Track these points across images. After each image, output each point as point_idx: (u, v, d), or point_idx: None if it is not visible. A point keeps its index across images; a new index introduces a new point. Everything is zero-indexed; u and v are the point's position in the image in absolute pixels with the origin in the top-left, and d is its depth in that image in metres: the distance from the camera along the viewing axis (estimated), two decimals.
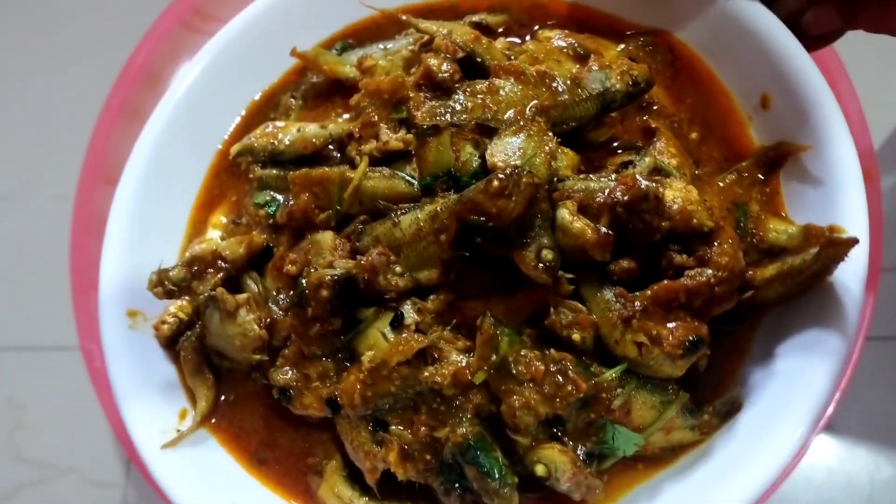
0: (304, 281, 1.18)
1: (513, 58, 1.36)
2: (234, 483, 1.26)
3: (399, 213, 1.20)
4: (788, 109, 1.26)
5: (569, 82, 1.26)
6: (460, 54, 1.35)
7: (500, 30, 1.52)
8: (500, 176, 1.11)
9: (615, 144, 1.33)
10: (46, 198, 2.09)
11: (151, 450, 1.23)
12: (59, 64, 2.25)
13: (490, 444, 1.13)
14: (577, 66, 1.36)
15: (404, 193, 1.24)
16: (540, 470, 1.11)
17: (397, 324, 1.16)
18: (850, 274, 1.13)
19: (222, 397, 1.33)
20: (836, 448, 1.71)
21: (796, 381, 1.14)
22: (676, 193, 1.18)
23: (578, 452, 1.14)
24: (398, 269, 1.17)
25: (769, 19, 1.27)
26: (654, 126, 1.35)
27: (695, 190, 1.18)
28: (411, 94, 1.32)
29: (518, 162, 1.17)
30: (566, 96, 1.25)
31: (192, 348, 1.32)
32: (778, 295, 1.17)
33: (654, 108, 1.38)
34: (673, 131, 1.36)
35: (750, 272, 1.17)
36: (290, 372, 1.23)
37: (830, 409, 1.44)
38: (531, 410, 1.11)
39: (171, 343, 1.34)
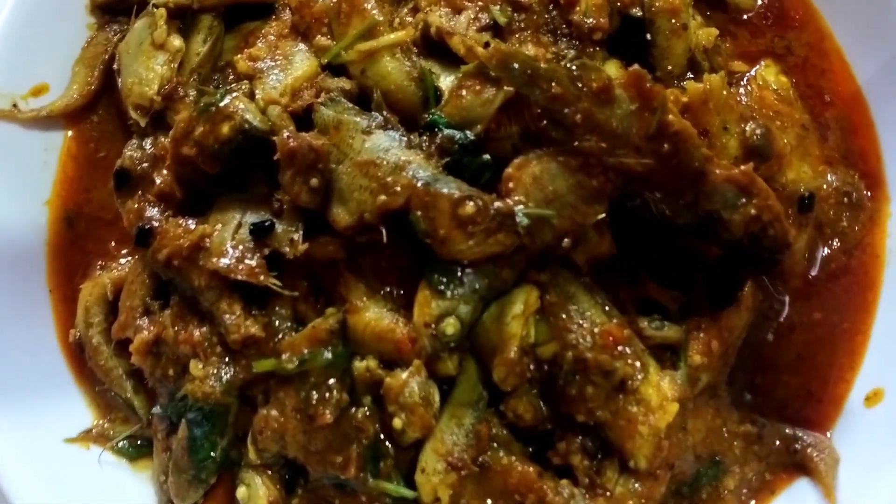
0: (221, 95, 1.01)
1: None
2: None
3: (379, 122, 0.99)
4: None
5: (694, 165, 0.96)
6: (634, 12, 1.07)
7: None
8: (479, 205, 0.90)
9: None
10: None
11: None
12: None
13: (223, 428, 1.02)
14: (738, 155, 1.06)
15: (407, 108, 1.02)
16: (240, 493, 1.03)
17: (259, 232, 0.99)
18: None
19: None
20: None
21: None
22: (653, 397, 0.96)
23: None
24: (315, 180, 0.97)
25: None
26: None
27: (672, 413, 0.96)
28: (535, 6, 1.06)
29: (531, 206, 0.93)
30: (668, 180, 0.97)
31: (105, 37, 1.19)
32: None
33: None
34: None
35: None
36: (141, 162, 1.10)
37: None
38: (281, 445, 0.99)
39: (99, 10, 1.20)
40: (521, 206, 0.92)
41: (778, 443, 1.05)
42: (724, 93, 1.06)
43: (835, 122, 1.14)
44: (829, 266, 1.10)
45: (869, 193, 1.11)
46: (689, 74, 1.11)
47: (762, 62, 1.17)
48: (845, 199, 1.10)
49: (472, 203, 0.90)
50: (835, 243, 1.11)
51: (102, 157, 1.21)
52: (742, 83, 1.14)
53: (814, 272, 1.10)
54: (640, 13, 1.07)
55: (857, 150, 1.13)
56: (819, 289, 1.10)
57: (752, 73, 1.15)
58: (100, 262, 1.19)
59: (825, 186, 1.11)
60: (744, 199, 0.98)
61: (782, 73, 1.16)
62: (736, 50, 1.19)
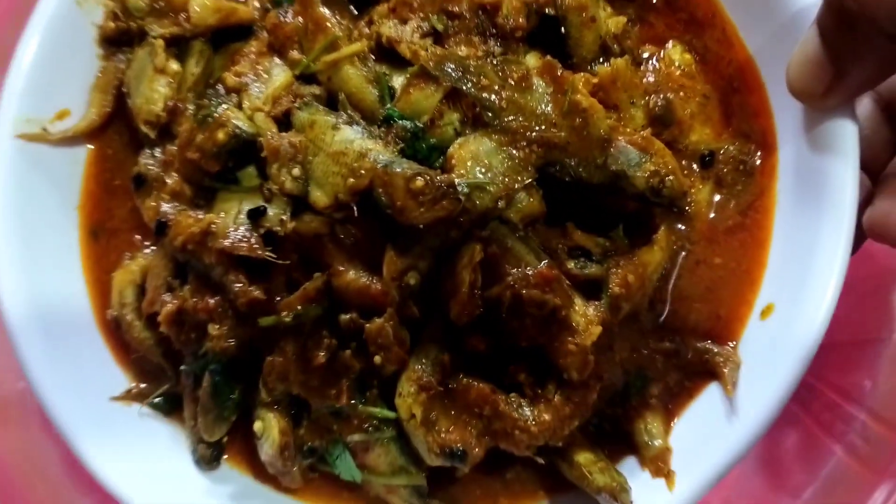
0: (215, 107, 1.28)
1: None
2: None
3: (345, 119, 1.25)
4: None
5: (601, 134, 1.23)
6: (548, 11, 1.32)
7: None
8: (426, 179, 1.16)
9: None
10: None
11: None
12: None
13: (239, 375, 1.28)
14: (644, 124, 1.32)
15: (367, 106, 1.28)
16: (256, 426, 1.29)
17: (255, 216, 1.26)
18: None
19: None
20: None
21: None
22: (580, 322, 1.23)
23: (306, 442, 1.30)
24: (296, 171, 1.24)
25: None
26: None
27: (595, 334, 1.22)
28: (466, 13, 1.31)
29: (469, 177, 1.19)
30: (581, 148, 1.23)
31: (114, 66, 1.45)
32: None
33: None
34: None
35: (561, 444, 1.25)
36: (154, 167, 1.36)
37: None
38: (286, 383, 1.25)
39: (106, 43, 1.46)
40: (461, 179, 1.19)
41: (692, 355, 1.31)
42: (629, 73, 1.32)
43: (739, 107, 1.38)
44: (727, 223, 1.35)
45: (760, 163, 1.35)
46: (601, 59, 1.37)
47: (669, 43, 1.42)
48: (741, 167, 1.36)
49: (420, 178, 1.16)
50: (731, 204, 1.36)
51: (119, 185, 1.49)
52: (652, 62, 1.40)
53: (712, 215, 1.36)
54: (553, 11, 1.33)
55: (759, 129, 1.36)
56: (719, 239, 1.35)
57: (661, 54, 1.41)
58: (127, 254, 1.46)
59: (723, 152, 1.36)
60: (644, 158, 1.25)
61: (686, 52, 1.41)
62: (650, 34, 1.44)
